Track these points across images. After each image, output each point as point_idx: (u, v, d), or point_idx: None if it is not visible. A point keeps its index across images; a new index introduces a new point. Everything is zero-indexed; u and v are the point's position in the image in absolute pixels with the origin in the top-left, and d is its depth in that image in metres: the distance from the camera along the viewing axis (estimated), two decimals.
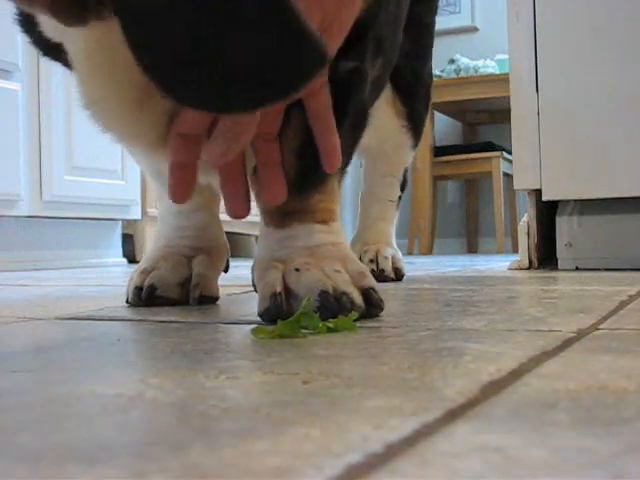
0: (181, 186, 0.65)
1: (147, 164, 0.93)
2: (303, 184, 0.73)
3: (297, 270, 0.69)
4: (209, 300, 0.89)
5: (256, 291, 0.73)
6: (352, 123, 0.77)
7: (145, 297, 0.87)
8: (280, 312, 0.67)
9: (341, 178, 0.79)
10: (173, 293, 0.88)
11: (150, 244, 0.99)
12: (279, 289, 0.68)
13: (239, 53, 0.44)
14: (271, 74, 0.44)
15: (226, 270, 0.97)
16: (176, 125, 0.63)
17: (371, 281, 0.71)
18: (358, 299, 0.68)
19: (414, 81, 1.33)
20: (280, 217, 0.74)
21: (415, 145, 1.40)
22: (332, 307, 0.66)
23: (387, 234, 1.40)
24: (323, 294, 0.66)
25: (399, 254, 1.37)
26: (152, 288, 0.87)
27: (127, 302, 0.89)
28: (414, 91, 1.34)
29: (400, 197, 1.45)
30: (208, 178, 0.85)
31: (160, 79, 0.45)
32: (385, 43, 0.86)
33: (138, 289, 0.88)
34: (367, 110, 0.83)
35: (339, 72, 0.72)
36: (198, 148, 0.63)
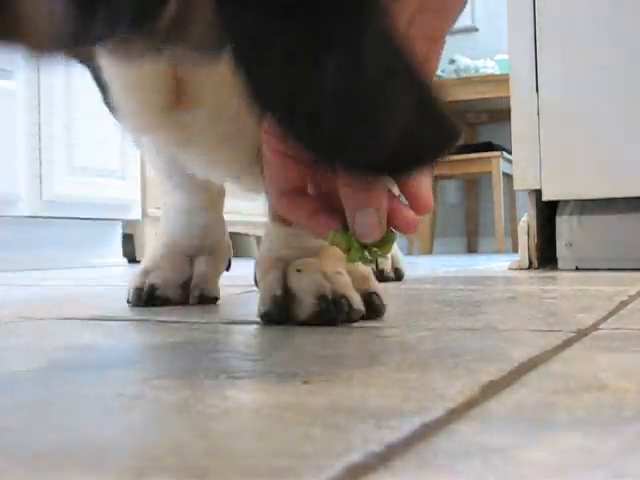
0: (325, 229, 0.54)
1: (163, 160, 0.91)
2: None
3: (299, 271, 0.68)
4: (209, 300, 0.89)
5: (257, 286, 0.73)
6: None
7: (145, 297, 0.86)
8: (281, 315, 0.67)
9: None
10: (174, 293, 0.88)
11: (151, 244, 0.99)
12: (279, 292, 0.68)
13: (394, 132, 0.45)
14: (416, 147, 0.47)
15: (228, 268, 0.97)
16: (273, 187, 0.54)
17: (374, 285, 0.70)
18: (357, 303, 0.67)
19: None
20: None
21: None
22: (330, 312, 0.65)
23: None
24: (322, 298, 0.66)
25: (399, 254, 1.37)
26: (152, 288, 0.87)
27: (128, 302, 0.88)
28: None
29: None
30: (213, 175, 0.86)
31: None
32: None
33: (139, 290, 0.87)
34: None
35: None
36: (306, 201, 0.53)
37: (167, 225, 0.95)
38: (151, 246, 0.96)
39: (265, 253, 0.74)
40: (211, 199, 0.94)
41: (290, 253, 0.71)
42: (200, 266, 0.90)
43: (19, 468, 0.26)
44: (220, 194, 0.94)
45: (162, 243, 0.93)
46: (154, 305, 0.86)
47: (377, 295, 0.70)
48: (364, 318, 0.68)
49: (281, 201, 0.52)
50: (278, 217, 0.74)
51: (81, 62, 0.76)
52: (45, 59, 0.40)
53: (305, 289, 0.67)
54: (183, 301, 0.88)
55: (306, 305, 0.66)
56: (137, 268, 0.92)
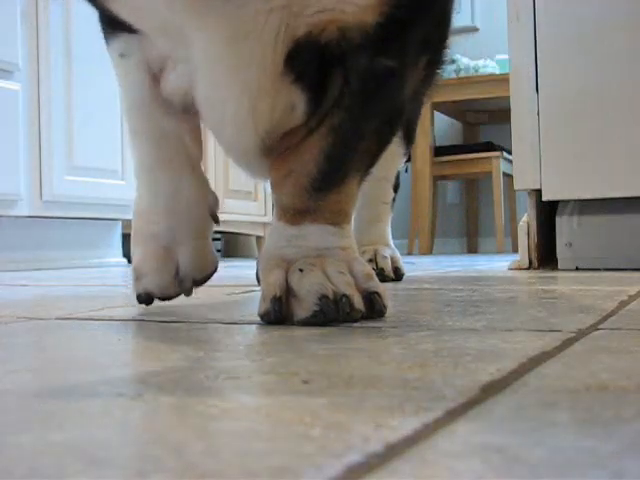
0: None
1: (131, 94, 0.81)
2: (323, 184, 0.72)
3: (301, 270, 0.69)
4: (201, 283, 0.83)
5: (259, 282, 0.73)
6: (379, 128, 0.76)
7: (145, 302, 0.83)
8: (280, 315, 0.67)
9: (361, 181, 0.77)
10: (171, 290, 0.83)
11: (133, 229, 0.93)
12: (279, 292, 0.68)
13: None
14: None
15: (217, 221, 0.87)
16: None
17: (376, 285, 0.70)
18: (358, 303, 0.67)
19: None
20: (293, 214, 0.74)
21: (407, 152, 1.42)
22: (330, 312, 0.66)
23: (383, 235, 1.40)
24: (323, 299, 0.66)
25: (397, 254, 1.38)
26: (149, 295, 0.82)
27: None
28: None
29: (394, 199, 1.46)
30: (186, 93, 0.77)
31: None
32: (432, 38, 0.81)
33: (139, 296, 0.83)
34: (400, 114, 0.80)
35: (373, 71, 0.71)
36: None
37: (139, 197, 0.87)
38: (133, 232, 0.89)
39: (270, 250, 0.74)
40: (174, 155, 0.82)
41: (294, 252, 0.72)
42: (182, 260, 0.82)
43: (20, 467, 0.26)
44: (189, 151, 0.83)
45: (138, 228, 0.87)
46: (159, 302, 0.83)
47: (378, 295, 0.70)
48: (365, 318, 0.68)
49: None
50: (284, 216, 0.74)
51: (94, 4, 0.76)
52: None
53: (306, 288, 0.67)
54: (180, 293, 0.83)
55: (307, 304, 0.66)
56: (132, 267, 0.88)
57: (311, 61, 0.70)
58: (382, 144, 0.79)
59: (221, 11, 0.66)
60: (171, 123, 0.81)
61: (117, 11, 0.72)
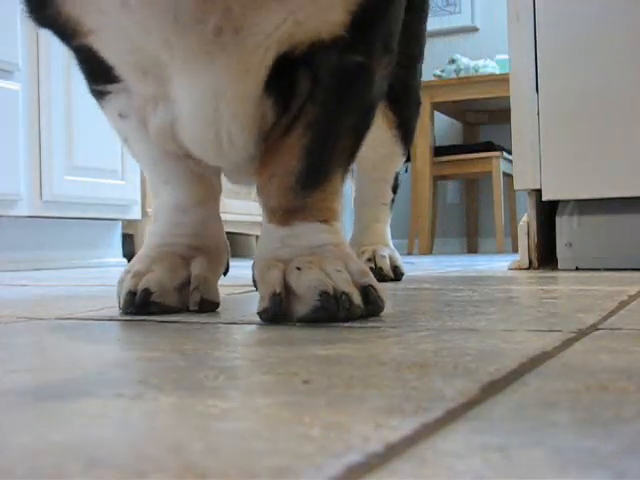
0: None
1: (146, 152, 0.85)
2: (307, 181, 0.73)
3: (298, 269, 0.69)
4: (210, 305, 0.81)
5: (256, 288, 0.73)
6: (355, 123, 0.77)
7: (139, 302, 0.77)
8: (279, 312, 0.67)
9: (344, 178, 0.78)
10: (170, 299, 0.79)
11: (141, 247, 0.93)
12: (279, 289, 0.68)
13: None
14: None
15: (225, 272, 0.89)
16: None
17: (371, 280, 0.71)
18: (357, 299, 0.68)
19: (405, 90, 1.32)
20: (282, 215, 0.74)
21: (406, 152, 1.41)
22: (331, 307, 0.66)
23: (383, 235, 1.41)
24: (324, 295, 0.66)
25: (397, 254, 1.38)
26: (147, 292, 0.78)
27: (120, 309, 0.80)
28: (405, 100, 1.34)
29: (393, 200, 1.46)
30: (211, 169, 0.85)
31: None
32: (393, 40, 0.82)
33: (131, 294, 0.78)
34: (373, 110, 0.81)
35: (344, 67, 0.72)
36: None
37: (157, 224, 0.86)
38: (141, 248, 0.87)
39: (263, 254, 0.74)
40: (205, 195, 0.86)
41: (288, 252, 0.72)
42: (197, 269, 0.81)
43: (20, 467, 0.26)
44: (215, 190, 0.88)
45: (152, 242, 0.84)
46: (148, 313, 0.77)
47: (373, 288, 0.70)
48: (363, 316, 0.68)
49: None
50: (273, 218, 0.75)
51: (70, 46, 0.77)
52: None
53: (306, 285, 0.67)
54: (180, 307, 0.80)
55: (307, 300, 0.67)
56: (126, 269, 0.82)
57: (282, 65, 0.72)
58: (358, 139, 0.80)
59: (218, 49, 0.69)
60: (200, 167, 0.84)
61: (93, 45, 0.73)
